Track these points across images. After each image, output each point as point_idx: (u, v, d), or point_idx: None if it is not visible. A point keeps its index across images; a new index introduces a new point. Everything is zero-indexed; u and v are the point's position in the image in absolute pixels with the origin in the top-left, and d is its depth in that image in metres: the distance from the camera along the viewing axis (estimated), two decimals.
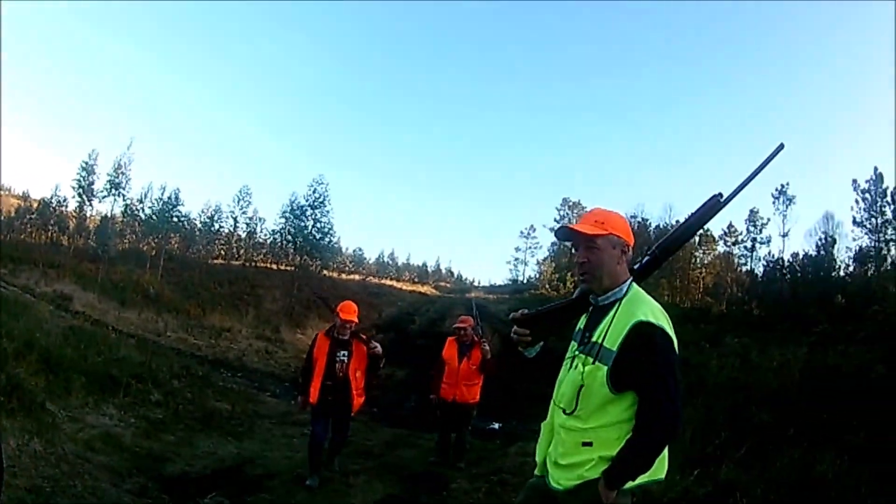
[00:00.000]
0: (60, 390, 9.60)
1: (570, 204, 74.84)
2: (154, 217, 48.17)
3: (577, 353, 3.45)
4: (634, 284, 3.43)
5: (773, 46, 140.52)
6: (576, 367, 3.40)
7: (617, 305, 3.31)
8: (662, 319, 3.23)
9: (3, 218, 58.75)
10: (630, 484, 3.19)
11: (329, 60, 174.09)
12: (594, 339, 3.31)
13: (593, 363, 3.27)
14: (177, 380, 13.22)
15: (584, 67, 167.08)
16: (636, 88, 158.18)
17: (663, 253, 3.62)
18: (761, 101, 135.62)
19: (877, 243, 41.88)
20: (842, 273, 43.79)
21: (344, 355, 8.18)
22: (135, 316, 24.53)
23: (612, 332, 3.24)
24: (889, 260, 41.56)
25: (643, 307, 3.26)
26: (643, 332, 3.15)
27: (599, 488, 3.17)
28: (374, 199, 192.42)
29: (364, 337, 8.54)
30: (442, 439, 10.68)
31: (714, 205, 3.50)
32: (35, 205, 69.52)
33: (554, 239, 70.31)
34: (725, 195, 3.50)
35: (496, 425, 15.19)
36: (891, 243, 41.79)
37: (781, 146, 3.49)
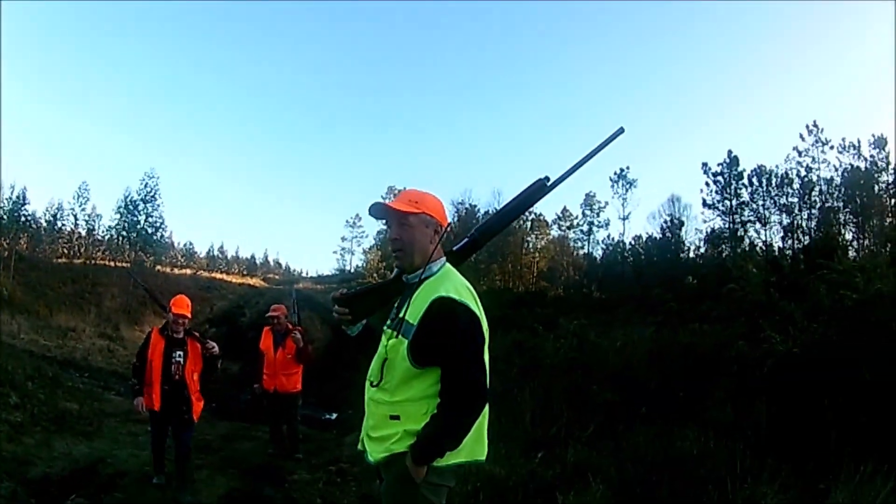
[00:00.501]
0: None
1: (396, 192, 74.67)
2: (4, 217, 46.74)
3: (385, 328, 3.48)
4: (448, 265, 3.46)
5: (618, 29, 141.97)
6: (382, 342, 3.44)
7: (425, 283, 3.34)
8: (466, 295, 3.24)
9: None
10: (443, 462, 3.21)
11: (158, 51, 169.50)
12: (400, 314, 3.34)
13: (396, 337, 3.30)
14: (31, 381, 12.94)
15: (414, 53, 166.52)
16: (465, 74, 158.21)
17: (483, 235, 3.62)
18: (605, 87, 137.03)
19: (732, 225, 43.17)
20: (692, 255, 45.03)
21: (180, 356, 7.80)
22: None
23: (413, 307, 3.27)
24: (746, 240, 42.86)
25: (446, 284, 3.27)
26: (443, 307, 3.16)
27: (408, 463, 3.19)
28: (203, 192, 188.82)
29: (199, 336, 8.21)
30: (273, 430, 10.67)
31: (539, 188, 3.51)
32: None
33: (380, 227, 71.24)
34: (553, 179, 3.51)
35: (332, 415, 15.59)
36: (748, 224, 43.11)
37: (621, 130, 3.50)
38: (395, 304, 3.52)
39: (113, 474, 8.48)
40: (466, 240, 3.60)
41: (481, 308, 3.32)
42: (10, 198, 47.31)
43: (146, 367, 7.81)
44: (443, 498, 3.40)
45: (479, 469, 6.88)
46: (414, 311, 3.26)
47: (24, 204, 47.76)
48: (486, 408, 3.32)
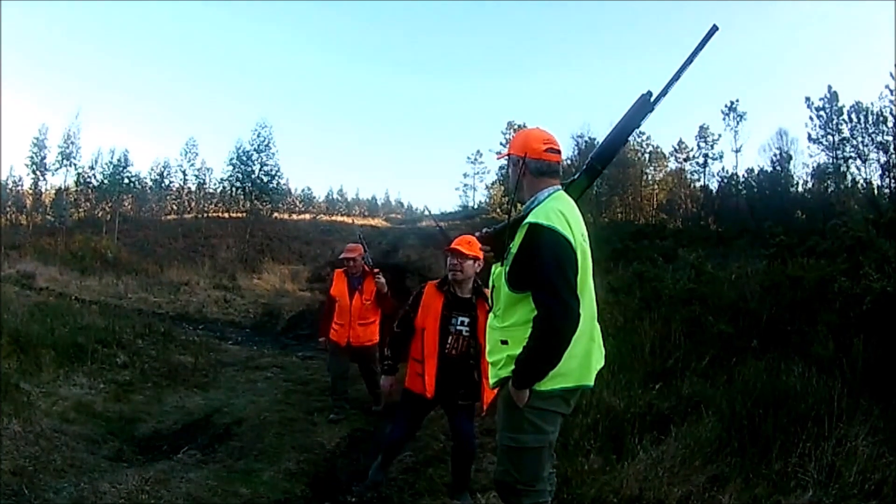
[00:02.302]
0: (32, 367, 9.55)
1: (515, 127, 73.48)
2: (106, 182, 47.73)
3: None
4: (559, 192, 3.57)
5: None
6: (492, 271, 3.65)
7: (530, 213, 3.46)
8: (555, 219, 3.30)
9: None
10: (547, 386, 3.31)
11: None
12: (508, 244, 3.51)
13: (501, 266, 3.55)
14: (140, 339, 13.12)
15: None
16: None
17: (599, 160, 3.67)
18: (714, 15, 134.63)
19: (835, 160, 42.15)
20: (800, 189, 44.14)
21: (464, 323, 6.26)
22: (96, 282, 24.27)
23: (516, 236, 3.44)
24: (849, 177, 41.88)
25: (539, 210, 3.41)
26: (531, 232, 3.32)
27: (510, 387, 3.31)
28: (319, 137, 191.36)
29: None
30: (335, 386, 9.27)
31: (643, 104, 3.53)
32: None
33: (501, 163, 71.30)
34: (655, 93, 3.52)
35: None
36: (849, 160, 42.07)
37: (715, 28, 3.47)
38: None
39: (228, 423, 8.56)
40: (584, 167, 3.70)
41: (579, 230, 3.41)
42: (111, 162, 47.95)
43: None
44: (552, 424, 3.48)
45: (599, 400, 7.03)
46: (515, 240, 3.43)
47: (126, 166, 48.36)
48: (596, 332, 3.48)
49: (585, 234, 3.54)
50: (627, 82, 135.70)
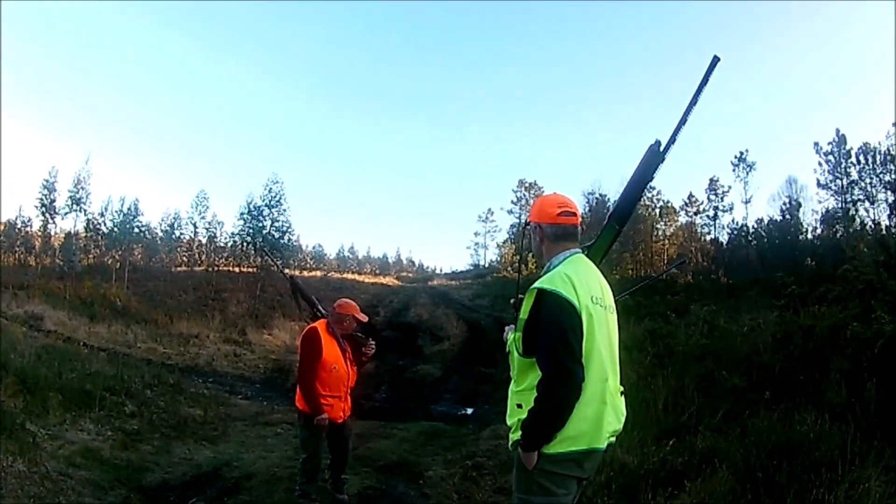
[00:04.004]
0: (39, 409, 9.58)
1: (527, 185, 74.35)
2: (116, 230, 48.16)
3: None
4: (574, 256, 3.65)
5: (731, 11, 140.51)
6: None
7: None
8: (559, 283, 3.37)
9: None
10: (557, 449, 3.33)
11: (269, 56, 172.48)
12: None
13: (515, 331, 3.60)
14: (149, 389, 13.19)
15: (537, 50, 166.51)
16: (589, 66, 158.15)
17: (618, 219, 3.81)
18: (723, 74, 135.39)
19: (843, 204, 42.33)
20: (809, 236, 44.30)
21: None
22: (105, 330, 24.27)
23: (525, 302, 3.49)
24: (857, 220, 41.98)
25: (546, 276, 3.49)
26: (535, 298, 3.40)
27: (520, 451, 3.36)
28: (331, 194, 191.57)
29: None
30: (314, 471, 7.43)
31: (653, 154, 3.64)
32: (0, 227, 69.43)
33: (512, 221, 71.89)
34: (664, 141, 3.64)
35: (468, 410, 15.24)
36: (858, 203, 42.21)
37: (717, 59, 3.52)
38: None
39: (238, 477, 8.58)
40: (602, 230, 3.85)
41: (588, 293, 3.44)
42: (121, 210, 48.41)
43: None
44: (563, 487, 3.47)
45: (612, 458, 6.97)
46: (524, 307, 3.47)
47: (136, 215, 48.96)
48: (608, 395, 3.45)
49: (603, 296, 3.59)
50: (639, 137, 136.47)
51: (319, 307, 7.93)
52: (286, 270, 9.15)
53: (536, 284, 3.39)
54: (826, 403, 7.71)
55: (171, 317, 30.26)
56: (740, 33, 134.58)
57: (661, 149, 3.60)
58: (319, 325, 7.39)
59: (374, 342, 7.91)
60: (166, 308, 33.38)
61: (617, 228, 3.83)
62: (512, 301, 4.02)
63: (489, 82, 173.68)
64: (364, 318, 7.61)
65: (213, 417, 12.22)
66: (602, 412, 3.42)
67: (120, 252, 50.25)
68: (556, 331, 3.25)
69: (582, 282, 3.43)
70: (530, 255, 3.95)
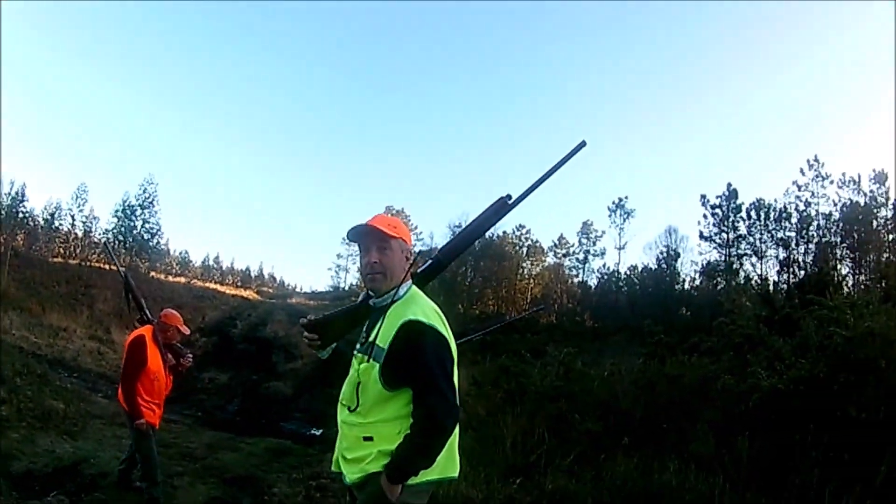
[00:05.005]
0: None
1: (394, 212, 74.56)
2: (3, 212, 46.94)
3: (357, 352, 3.56)
4: (414, 287, 3.56)
5: (617, 51, 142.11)
6: (354, 365, 3.53)
7: (393, 306, 3.41)
8: (434, 318, 3.33)
9: None
10: (416, 480, 3.27)
11: (158, 54, 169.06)
12: (370, 338, 3.42)
13: (368, 361, 3.39)
14: (19, 377, 13.11)
15: (413, 74, 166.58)
16: (464, 93, 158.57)
17: (446, 256, 3.71)
18: (605, 113, 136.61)
19: (728, 258, 43.35)
20: (687, 286, 45.26)
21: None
22: None
23: (384, 330, 3.34)
24: (742, 274, 43.01)
25: (414, 307, 3.35)
26: (412, 330, 3.24)
27: (382, 483, 3.24)
28: (202, 201, 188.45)
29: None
30: (156, 473, 7.66)
31: (501, 206, 3.61)
32: None
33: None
34: (515, 196, 3.59)
35: (317, 431, 15.43)
36: (744, 258, 43.29)
37: (583, 143, 3.58)
38: (365, 328, 3.61)
39: (95, 475, 8.61)
40: (430, 261, 3.71)
41: (450, 330, 3.40)
42: (10, 193, 47.47)
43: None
44: None
45: (457, 492, 6.95)
46: (384, 335, 3.33)
47: (22, 200, 48.47)
48: (458, 426, 3.39)
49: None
50: (509, 172, 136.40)
51: (146, 312, 7.97)
52: (122, 269, 9.00)
53: (411, 316, 3.27)
54: (692, 453, 7.87)
55: (44, 307, 29.69)
56: (634, 85, 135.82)
57: (511, 202, 3.57)
58: (146, 331, 7.58)
59: (191, 355, 8.21)
60: (40, 298, 32.61)
61: (444, 265, 3.72)
62: (303, 321, 3.77)
63: (362, 103, 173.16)
64: (187, 330, 7.95)
65: (74, 413, 12.13)
66: (454, 443, 3.45)
67: (4, 236, 48.95)
68: (442, 368, 3.24)
69: (443, 317, 3.46)
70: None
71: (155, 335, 7.58)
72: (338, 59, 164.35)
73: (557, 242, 60.16)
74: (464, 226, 3.85)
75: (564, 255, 59.62)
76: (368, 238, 3.52)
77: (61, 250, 62.96)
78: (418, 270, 3.65)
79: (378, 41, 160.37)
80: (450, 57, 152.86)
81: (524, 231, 59.24)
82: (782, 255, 42.43)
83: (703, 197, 45.13)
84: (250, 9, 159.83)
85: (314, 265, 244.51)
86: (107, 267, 50.47)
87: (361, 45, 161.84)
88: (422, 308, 3.36)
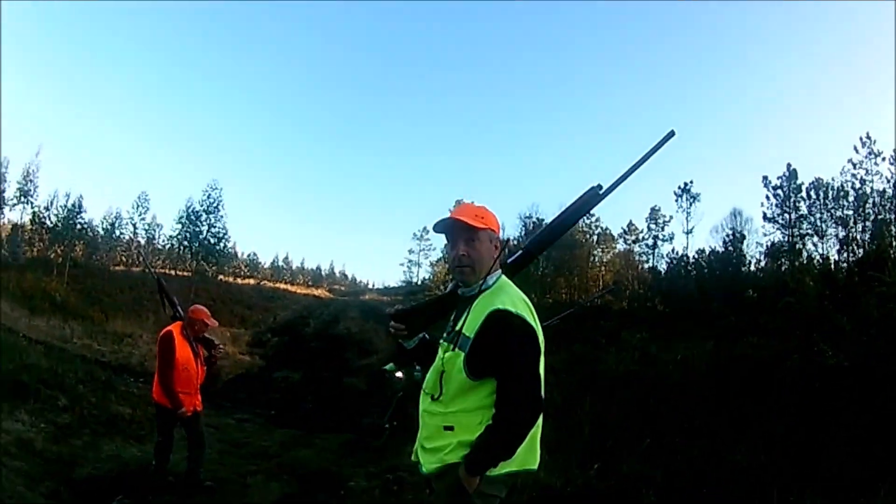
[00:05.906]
0: None
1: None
2: (60, 224, 47.77)
3: (442, 341, 3.48)
4: (504, 277, 3.47)
5: (680, 43, 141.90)
6: (439, 354, 3.44)
7: (481, 296, 3.34)
8: (522, 308, 3.22)
9: None
10: (495, 472, 3.19)
11: (216, 63, 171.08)
12: (457, 328, 3.34)
13: (453, 350, 3.30)
14: (82, 385, 13.06)
15: (479, 71, 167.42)
16: (529, 88, 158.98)
17: (536, 246, 3.66)
18: (666, 100, 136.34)
19: (790, 238, 42.73)
20: (752, 268, 44.64)
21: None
22: (43, 323, 24.09)
23: (470, 320, 3.27)
24: (804, 254, 42.42)
25: (503, 296, 3.27)
26: (499, 320, 3.16)
27: (460, 473, 3.19)
28: (268, 203, 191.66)
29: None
30: (165, 463, 8.32)
31: (592, 196, 3.50)
32: None
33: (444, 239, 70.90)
34: (605, 186, 3.48)
35: (393, 424, 15.11)
36: (806, 238, 42.68)
37: (672, 133, 3.44)
38: (452, 318, 3.52)
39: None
40: (521, 251, 3.64)
41: (537, 320, 3.31)
42: (66, 206, 48.05)
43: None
44: None
45: (536, 480, 6.91)
46: (471, 324, 3.26)
47: (80, 212, 48.59)
48: (541, 418, 3.30)
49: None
50: (577, 163, 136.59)
51: (178, 310, 8.69)
52: (154, 271, 9.74)
53: (499, 306, 3.19)
54: (762, 434, 7.78)
55: (107, 314, 30.14)
56: (694, 71, 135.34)
57: (601, 192, 3.49)
58: (175, 327, 8.27)
59: (222, 346, 8.84)
60: (103, 306, 33.25)
61: (535, 255, 3.71)
62: (390, 311, 3.76)
63: (430, 102, 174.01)
64: (214, 323, 8.50)
65: (141, 417, 12.05)
66: (536, 434, 3.36)
67: (62, 248, 49.62)
68: (529, 361, 3.16)
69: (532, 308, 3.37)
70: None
71: (184, 330, 8.28)
72: (411, 57, 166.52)
73: (627, 229, 59.71)
74: (552, 217, 3.74)
75: (634, 242, 59.07)
76: (455, 230, 3.45)
77: (123, 258, 63.95)
78: (507, 261, 3.59)
79: (446, 42, 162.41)
80: (516, 57, 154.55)
81: (594, 219, 58.80)
82: (841, 233, 41.84)
83: (765, 178, 44.59)
84: (328, 8, 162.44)
85: (386, 261, 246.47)
86: (173, 273, 51.14)
87: (435, 46, 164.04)
88: (510, 297, 3.27)
